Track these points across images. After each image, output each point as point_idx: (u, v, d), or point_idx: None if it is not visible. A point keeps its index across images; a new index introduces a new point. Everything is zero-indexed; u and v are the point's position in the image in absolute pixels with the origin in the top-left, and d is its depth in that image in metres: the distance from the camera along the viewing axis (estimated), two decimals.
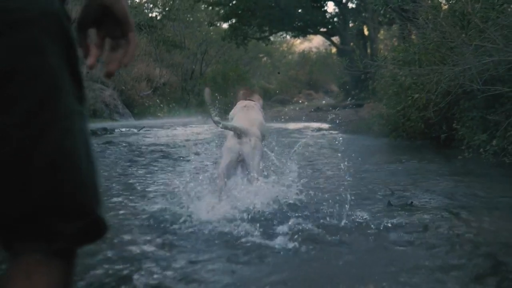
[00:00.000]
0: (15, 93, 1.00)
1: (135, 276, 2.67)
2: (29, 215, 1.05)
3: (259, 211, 3.95)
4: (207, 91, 4.42)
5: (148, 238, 3.38)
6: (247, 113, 4.46)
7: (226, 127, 4.20)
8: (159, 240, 3.33)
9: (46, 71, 1.03)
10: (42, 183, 1.04)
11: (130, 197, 4.74)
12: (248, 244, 3.20)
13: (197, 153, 7.39)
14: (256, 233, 3.42)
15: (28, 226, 1.05)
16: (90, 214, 1.12)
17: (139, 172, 6.48)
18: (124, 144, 9.93)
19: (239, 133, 4.12)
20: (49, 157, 1.04)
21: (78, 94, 1.12)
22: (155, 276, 2.69)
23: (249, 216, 3.76)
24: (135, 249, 3.13)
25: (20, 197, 1.03)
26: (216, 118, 4.13)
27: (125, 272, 2.73)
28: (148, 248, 3.17)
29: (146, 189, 5.20)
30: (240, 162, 4.11)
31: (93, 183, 1.14)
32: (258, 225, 3.55)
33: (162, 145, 10.36)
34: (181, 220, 3.70)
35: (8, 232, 1.07)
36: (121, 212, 4.14)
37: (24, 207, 1.04)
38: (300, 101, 34.24)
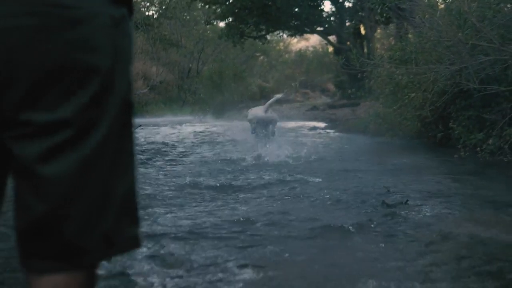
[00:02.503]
0: (70, 89, 1.02)
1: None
2: (45, 221, 1.04)
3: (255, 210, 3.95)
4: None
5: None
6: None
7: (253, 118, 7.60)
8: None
9: (99, 71, 1.04)
10: (68, 185, 1.04)
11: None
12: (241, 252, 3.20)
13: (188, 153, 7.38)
14: (248, 236, 3.43)
15: (48, 242, 1.05)
16: (110, 226, 1.09)
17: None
18: None
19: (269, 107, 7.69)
20: (85, 155, 1.04)
21: (127, 97, 1.12)
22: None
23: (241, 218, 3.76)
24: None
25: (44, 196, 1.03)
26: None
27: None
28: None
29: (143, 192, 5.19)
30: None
31: (119, 191, 1.11)
32: (254, 226, 3.55)
33: (159, 143, 10.36)
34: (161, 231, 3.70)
35: (29, 250, 1.07)
36: None
37: (44, 208, 1.03)
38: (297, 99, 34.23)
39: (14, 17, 0.97)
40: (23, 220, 1.06)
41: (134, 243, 1.15)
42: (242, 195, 4.79)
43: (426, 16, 7.54)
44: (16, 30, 0.97)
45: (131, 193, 1.15)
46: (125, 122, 1.13)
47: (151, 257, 2.93)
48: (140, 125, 15.57)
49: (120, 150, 1.12)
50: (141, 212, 1.18)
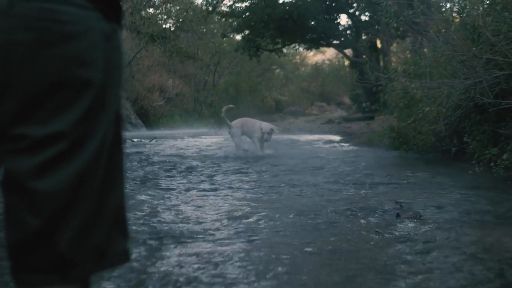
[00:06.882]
0: (64, 102, 1.03)
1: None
2: (37, 234, 1.03)
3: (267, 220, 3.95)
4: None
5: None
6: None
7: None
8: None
9: (92, 85, 1.05)
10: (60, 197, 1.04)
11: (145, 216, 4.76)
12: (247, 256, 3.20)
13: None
14: (262, 239, 3.43)
15: (41, 255, 1.04)
16: (102, 239, 1.10)
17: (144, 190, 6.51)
18: (137, 157, 9.95)
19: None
20: (79, 169, 1.04)
21: (118, 110, 1.14)
22: None
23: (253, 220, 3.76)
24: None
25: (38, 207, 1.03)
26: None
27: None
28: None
29: (157, 209, 5.22)
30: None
31: (111, 204, 1.12)
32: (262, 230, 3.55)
33: (174, 156, 10.39)
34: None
35: (21, 264, 1.06)
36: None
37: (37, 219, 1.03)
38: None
39: (11, 32, 0.98)
40: (16, 234, 1.05)
41: (124, 256, 1.16)
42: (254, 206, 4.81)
43: (443, 30, 7.52)
44: (12, 45, 0.98)
45: (121, 206, 1.16)
46: (116, 135, 1.14)
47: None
48: (155, 137, 15.65)
49: (112, 163, 1.12)
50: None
